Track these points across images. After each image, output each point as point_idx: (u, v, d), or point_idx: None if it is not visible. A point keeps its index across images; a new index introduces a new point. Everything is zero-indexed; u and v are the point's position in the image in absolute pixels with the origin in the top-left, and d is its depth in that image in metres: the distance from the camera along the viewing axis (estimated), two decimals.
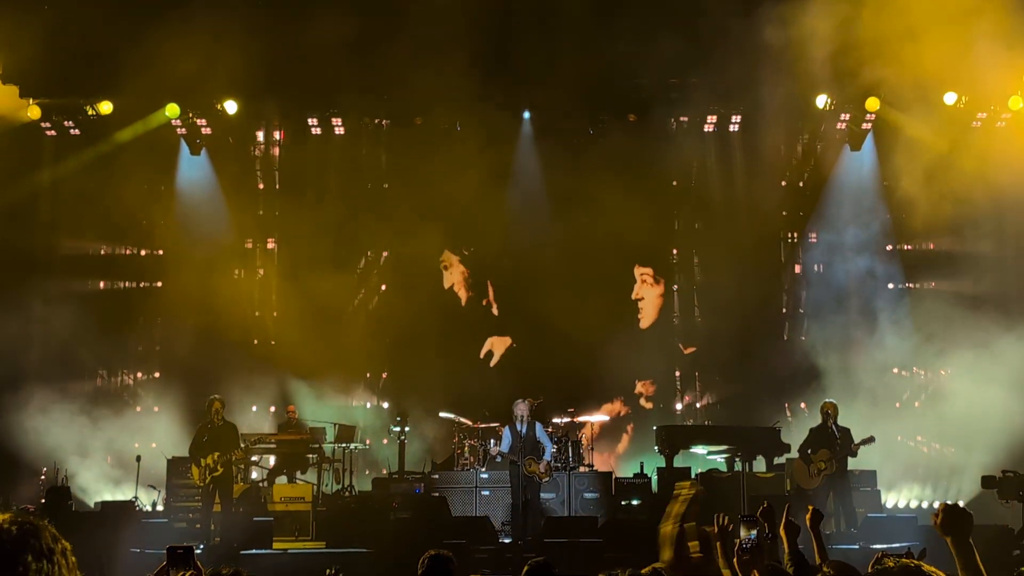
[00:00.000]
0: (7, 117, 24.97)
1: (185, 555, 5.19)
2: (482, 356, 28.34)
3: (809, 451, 20.19)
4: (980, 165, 24.01)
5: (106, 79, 24.72)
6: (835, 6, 22.18)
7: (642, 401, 28.28)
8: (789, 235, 28.89)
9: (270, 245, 28.79)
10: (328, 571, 7.96)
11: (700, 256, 28.91)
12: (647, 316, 28.68)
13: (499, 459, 20.63)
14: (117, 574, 16.28)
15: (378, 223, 28.26)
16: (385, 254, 28.76)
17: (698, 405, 28.17)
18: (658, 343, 28.14)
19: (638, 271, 28.64)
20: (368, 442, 25.92)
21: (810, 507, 9.06)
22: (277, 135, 28.20)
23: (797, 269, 28.93)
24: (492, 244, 27.34)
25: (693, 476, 22.03)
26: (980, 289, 24.20)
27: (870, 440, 19.92)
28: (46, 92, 25.22)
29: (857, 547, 18.03)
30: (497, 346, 28.42)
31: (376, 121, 27.67)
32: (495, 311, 28.60)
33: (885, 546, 16.72)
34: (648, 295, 28.70)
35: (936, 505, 23.37)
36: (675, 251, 29.13)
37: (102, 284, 27.71)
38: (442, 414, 24.95)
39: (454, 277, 28.65)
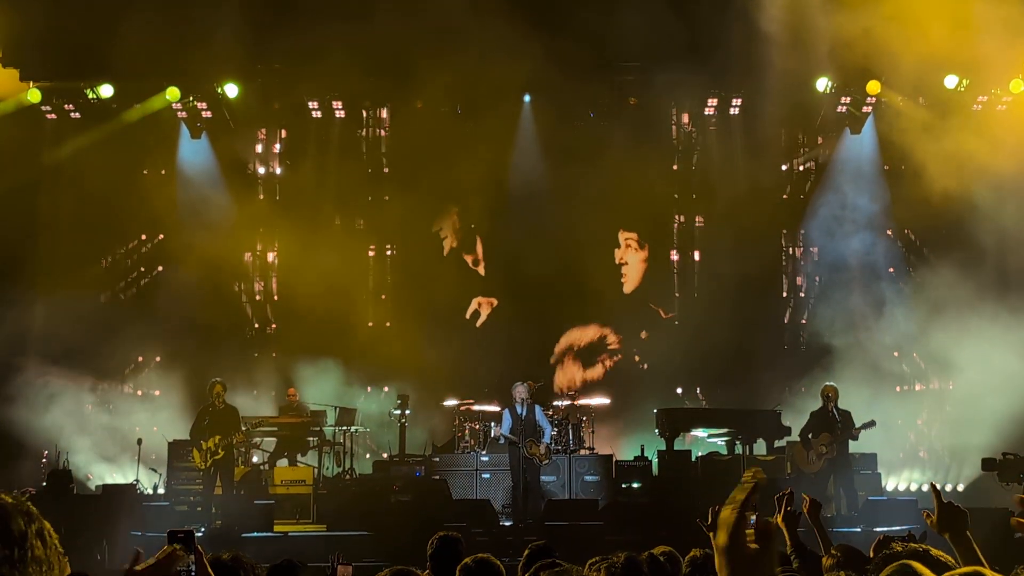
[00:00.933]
0: (7, 100, 24.96)
1: (186, 539, 5.18)
2: (468, 316, 28.35)
3: (810, 435, 20.20)
4: (981, 148, 23.99)
5: (106, 62, 24.67)
6: None
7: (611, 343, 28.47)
8: (789, 218, 28.85)
9: (271, 249, 28.76)
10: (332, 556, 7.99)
11: (700, 239, 28.90)
12: (631, 280, 28.67)
13: (501, 441, 20.68)
14: (118, 557, 16.33)
15: (378, 205, 28.30)
16: (389, 251, 28.82)
17: (698, 389, 28.17)
18: (641, 307, 28.26)
19: (622, 236, 28.56)
20: (369, 441, 25.98)
21: (806, 497, 9.07)
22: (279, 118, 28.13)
23: (798, 252, 28.93)
24: (489, 216, 27.28)
25: (693, 459, 22.06)
26: (980, 272, 24.16)
27: (871, 424, 19.93)
28: (46, 75, 25.19)
29: (858, 530, 18.08)
30: (484, 307, 28.43)
31: (377, 105, 27.66)
32: (481, 270, 28.62)
33: (886, 529, 16.75)
34: (632, 260, 28.66)
35: (927, 488, 23.42)
36: (676, 231, 29.11)
37: (103, 267, 27.67)
38: (446, 403, 24.98)
39: (445, 223, 28.61)
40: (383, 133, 28.76)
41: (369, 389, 26.96)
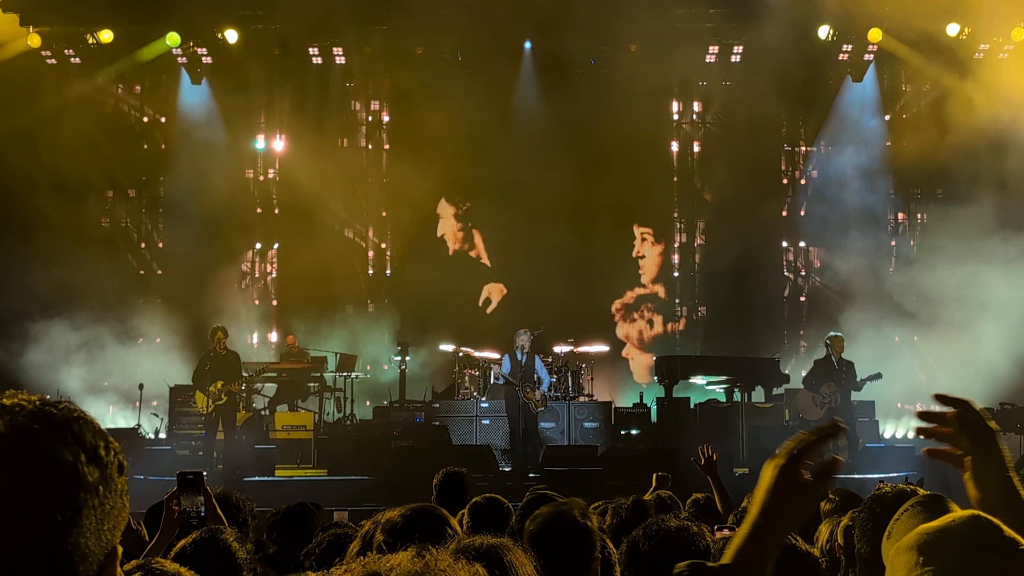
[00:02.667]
0: (7, 45, 24.89)
1: (195, 480, 5.23)
2: (480, 304, 28.28)
3: (814, 382, 20.25)
4: (982, 96, 23.99)
5: (107, 7, 24.61)
6: None
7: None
8: (790, 167, 28.84)
9: (272, 196, 28.72)
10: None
11: (703, 186, 28.90)
12: (648, 273, 28.74)
13: (500, 380, 20.75)
14: None
15: (378, 153, 28.30)
16: (384, 180, 28.81)
17: (698, 335, 28.27)
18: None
19: (638, 230, 28.63)
20: (368, 368, 26.03)
21: (703, 448, 9.18)
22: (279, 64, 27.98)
23: (799, 201, 28.91)
24: (488, 188, 27.14)
25: (692, 407, 22.11)
26: (980, 220, 24.15)
27: (877, 376, 19.93)
28: (46, 20, 25.10)
29: (855, 477, 18.20)
30: (494, 294, 28.38)
31: (377, 51, 27.54)
32: (486, 261, 28.58)
33: (883, 475, 16.87)
34: (649, 253, 28.70)
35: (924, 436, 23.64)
36: (676, 179, 29.15)
37: (104, 211, 27.68)
38: (442, 347, 24.99)
39: (446, 228, 28.59)
40: (384, 79, 28.64)
41: (373, 337, 27.07)
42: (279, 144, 28.49)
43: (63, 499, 2.00)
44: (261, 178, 28.51)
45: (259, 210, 28.60)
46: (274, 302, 28.20)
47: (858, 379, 19.93)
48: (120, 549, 2.10)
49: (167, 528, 5.28)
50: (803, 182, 28.68)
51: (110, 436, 2.14)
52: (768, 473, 2.63)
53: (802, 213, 28.69)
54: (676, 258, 28.99)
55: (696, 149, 28.99)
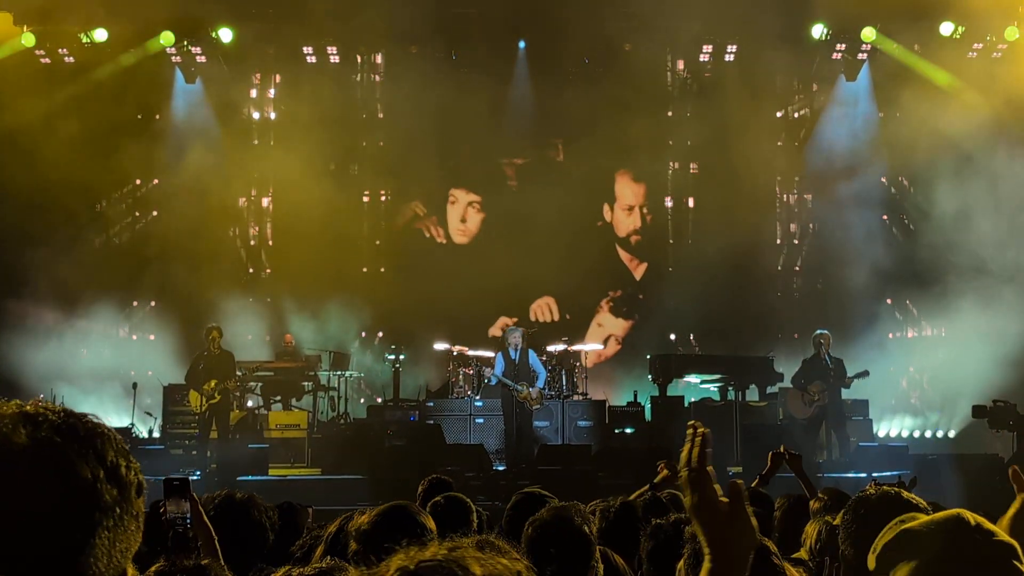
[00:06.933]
0: (1, 45, 24.85)
1: (181, 487, 5.20)
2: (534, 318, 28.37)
3: (803, 381, 20.29)
4: (976, 95, 24.02)
5: (100, 6, 24.56)
6: None
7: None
8: (784, 165, 28.83)
9: (265, 194, 28.73)
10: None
11: (695, 185, 28.96)
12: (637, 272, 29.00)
13: (493, 382, 20.78)
14: None
15: (373, 152, 28.33)
16: (384, 197, 28.88)
17: (692, 336, 28.28)
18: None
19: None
20: (364, 385, 26.11)
21: (784, 449, 9.14)
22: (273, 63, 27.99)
23: (792, 199, 28.96)
24: (483, 179, 27.21)
25: (686, 405, 22.14)
26: (973, 218, 24.17)
27: (864, 374, 20.03)
28: (40, 19, 25.05)
29: (848, 475, 18.23)
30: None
31: (371, 50, 27.56)
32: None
33: (876, 475, 16.89)
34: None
35: (918, 435, 23.56)
36: (670, 179, 29.19)
37: (98, 210, 27.64)
38: (437, 345, 24.98)
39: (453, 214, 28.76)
40: (377, 79, 28.65)
41: (363, 334, 27.07)
42: (272, 143, 28.42)
43: (79, 518, 1.97)
44: (256, 175, 28.46)
45: (255, 218, 28.68)
46: (268, 299, 28.15)
47: (847, 376, 20.00)
48: (132, 572, 2.06)
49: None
50: (796, 178, 28.78)
51: (131, 455, 2.11)
52: (691, 503, 2.67)
53: (796, 210, 28.77)
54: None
55: (688, 144, 29.08)
